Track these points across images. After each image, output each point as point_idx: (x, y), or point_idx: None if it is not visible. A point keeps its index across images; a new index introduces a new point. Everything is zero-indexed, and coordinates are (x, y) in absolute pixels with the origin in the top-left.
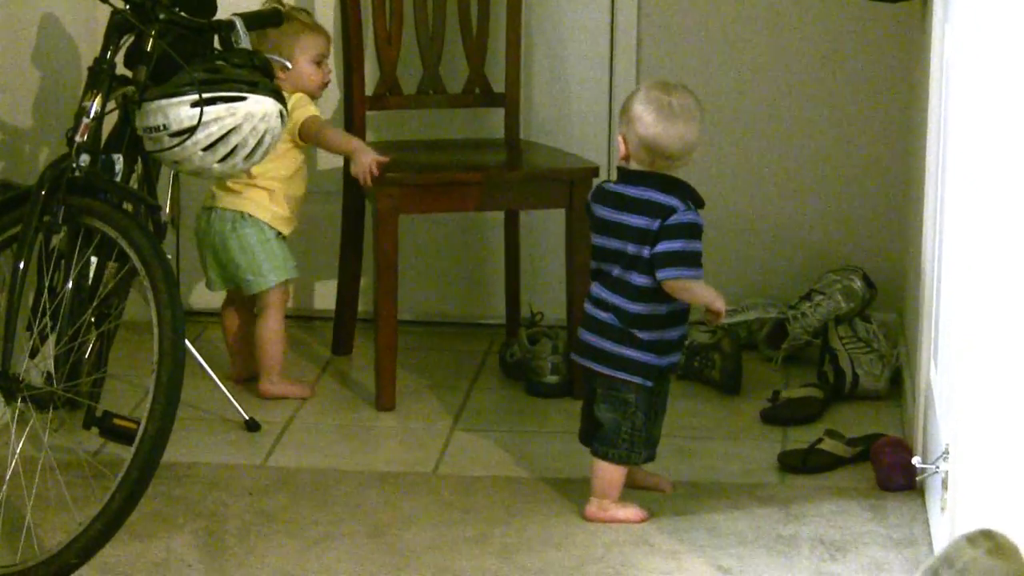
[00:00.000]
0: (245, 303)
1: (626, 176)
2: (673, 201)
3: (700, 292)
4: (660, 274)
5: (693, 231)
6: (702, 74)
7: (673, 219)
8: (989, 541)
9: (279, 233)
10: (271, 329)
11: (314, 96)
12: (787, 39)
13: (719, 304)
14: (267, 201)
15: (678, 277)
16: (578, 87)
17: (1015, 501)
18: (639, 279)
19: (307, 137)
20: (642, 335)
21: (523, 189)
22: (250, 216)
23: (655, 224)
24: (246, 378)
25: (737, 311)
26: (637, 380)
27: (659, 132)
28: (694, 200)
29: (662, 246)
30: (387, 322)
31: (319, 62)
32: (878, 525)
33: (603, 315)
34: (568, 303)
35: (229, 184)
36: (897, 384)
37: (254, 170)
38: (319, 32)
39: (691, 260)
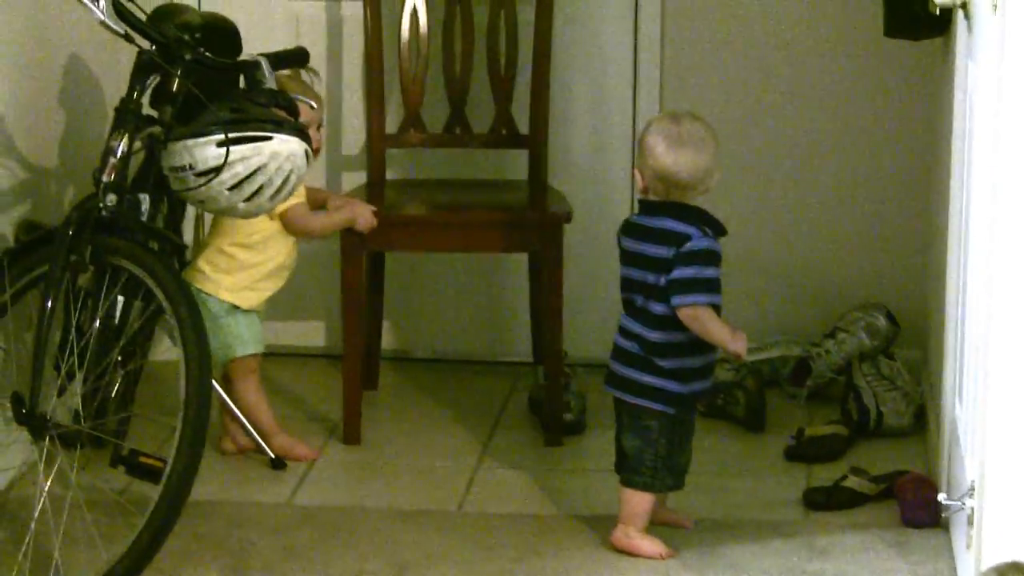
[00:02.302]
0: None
1: (646, 207)
2: (689, 229)
3: (715, 330)
4: (673, 301)
5: (708, 258)
6: (724, 112)
7: (688, 246)
8: (1018, 573)
9: (238, 307)
10: (243, 401)
11: None
12: (810, 77)
13: (735, 346)
14: (223, 272)
15: (692, 304)
16: (604, 128)
17: None
18: (657, 307)
19: (293, 230)
20: (663, 363)
21: (488, 233)
22: (199, 291)
23: (671, 252)
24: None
25: (760, 348)
26: (659, 407)
27: (670, 162)
28: (713, 227)
29: (676, 273)
30: (351, 357)
31: None
32: (903, 562)
33: (627, 344)
34: (534, 344)
35: (203, 255)
36: (921, 421)
37: (220, 235)
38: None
39: (704, 286)
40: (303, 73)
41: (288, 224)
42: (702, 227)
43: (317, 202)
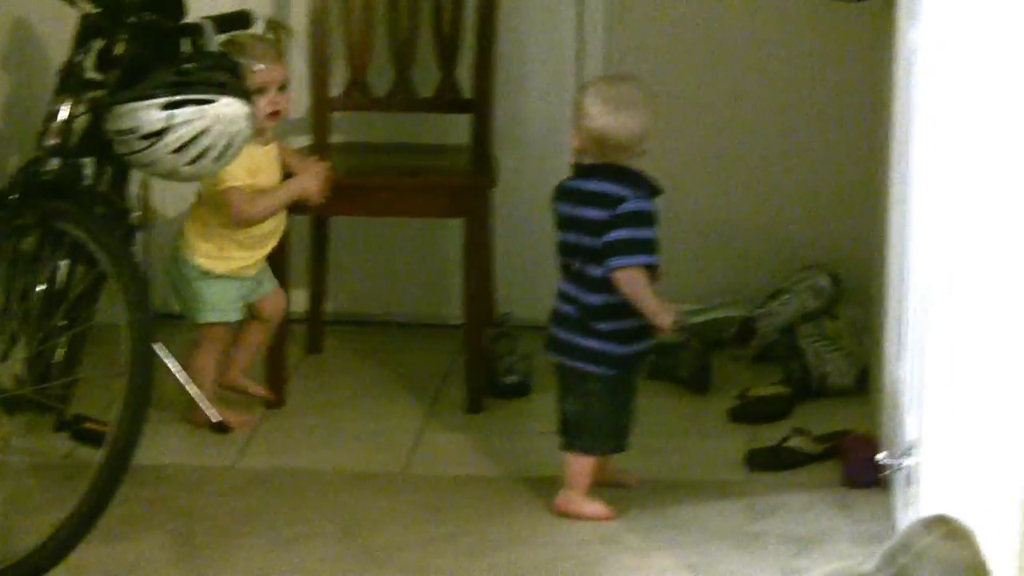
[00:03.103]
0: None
1: (580, 170)
2: (623, 190)
3: (646, 296)
4: (610, 263)
5: (643, 218)
6: (668, 73)
7: (622, 208)
8: (945, 526)
9: (210, 272)
10: (194, 366)
11: (261, 130)
12: (753, 39)
13: (660, 319)
14: (199, 237)
15: (627, 266)
16: (553, 94)
17: (977, 495)
18: (595, 271)
19: (236, 215)
20: (602, 325)
21: (413, 198)
22: (179, 251)
23: (607, 215)
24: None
25: (704, 310)
26: (598, 370)
27: (604, 124)
28: (648, 188)
29: (612, 235)
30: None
31: (259, 90)
32: (845, 521)
33: (566, 308)
34: (466, 310)
35: (190, 216)
36: (864, 381)
37: (210, 215)
38: (254, 59)
39: (638, 247)
40: (278, 32)
41: (230, 209)
42: (636, 188)
43: (286, 165)
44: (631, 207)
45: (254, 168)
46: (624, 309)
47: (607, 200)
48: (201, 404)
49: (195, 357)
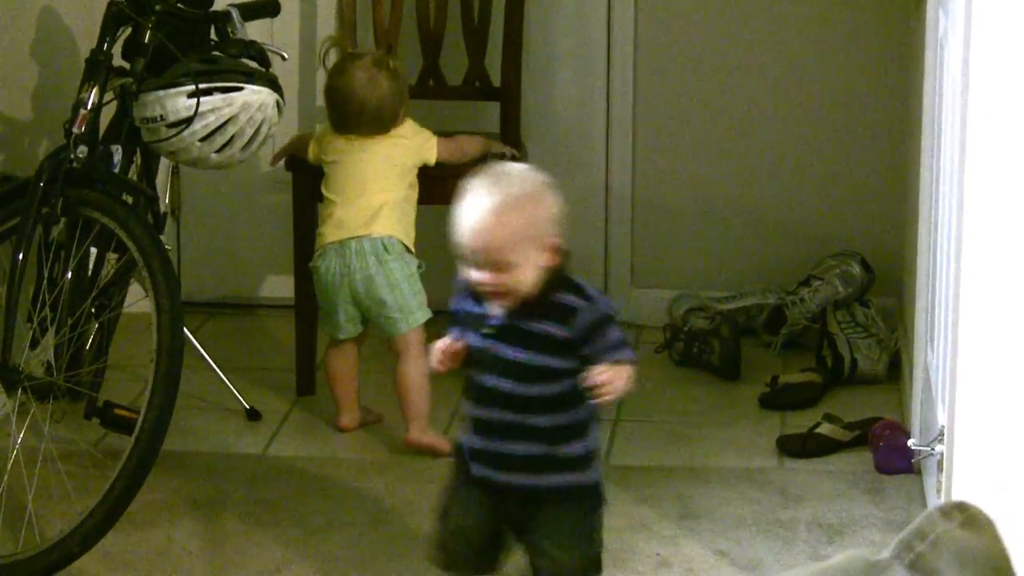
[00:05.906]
0: (354, 345)
1: None
2: None
3: None
4: None
5: None
6: (699, 60)
7: None
8: (962, 513)
9: (420, 263)
10: (419, 374)
11: None
12: (783, 24)
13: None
14: (405, 221)
15: None
16: (577, 82)
17: (1007, 481)
18: None
19: (455, 159)
20: None
21: (440, 185)
22: (393, 244)
23: None
24: (356, 427)
25: (735, 297)
26: None
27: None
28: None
29: None
30: (304, 310)
31: None
32: (876, 508)
33: None
34: None
35: (358, 206)
36: (895, 368)
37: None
38: None
39: None
40: None
41: (449, 159)
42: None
43: None
44: None
45: None
46: (473, 390)
47: None
48: (233, 391)
49: (413, 369)
